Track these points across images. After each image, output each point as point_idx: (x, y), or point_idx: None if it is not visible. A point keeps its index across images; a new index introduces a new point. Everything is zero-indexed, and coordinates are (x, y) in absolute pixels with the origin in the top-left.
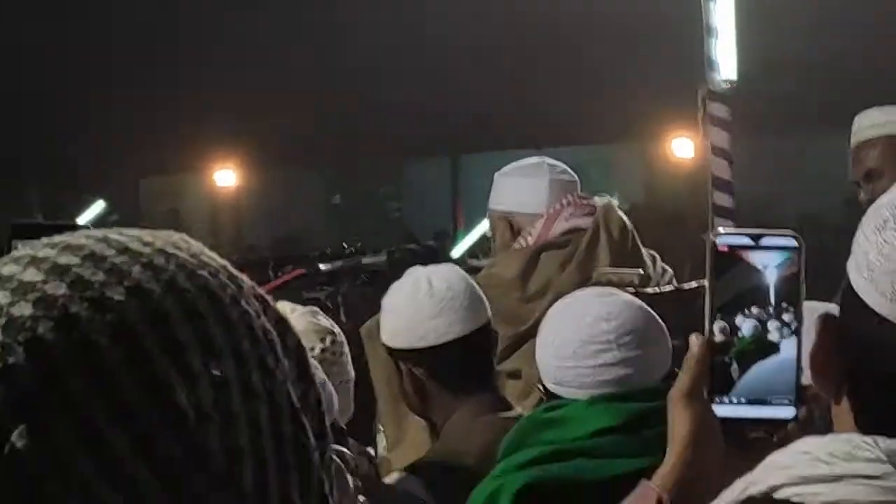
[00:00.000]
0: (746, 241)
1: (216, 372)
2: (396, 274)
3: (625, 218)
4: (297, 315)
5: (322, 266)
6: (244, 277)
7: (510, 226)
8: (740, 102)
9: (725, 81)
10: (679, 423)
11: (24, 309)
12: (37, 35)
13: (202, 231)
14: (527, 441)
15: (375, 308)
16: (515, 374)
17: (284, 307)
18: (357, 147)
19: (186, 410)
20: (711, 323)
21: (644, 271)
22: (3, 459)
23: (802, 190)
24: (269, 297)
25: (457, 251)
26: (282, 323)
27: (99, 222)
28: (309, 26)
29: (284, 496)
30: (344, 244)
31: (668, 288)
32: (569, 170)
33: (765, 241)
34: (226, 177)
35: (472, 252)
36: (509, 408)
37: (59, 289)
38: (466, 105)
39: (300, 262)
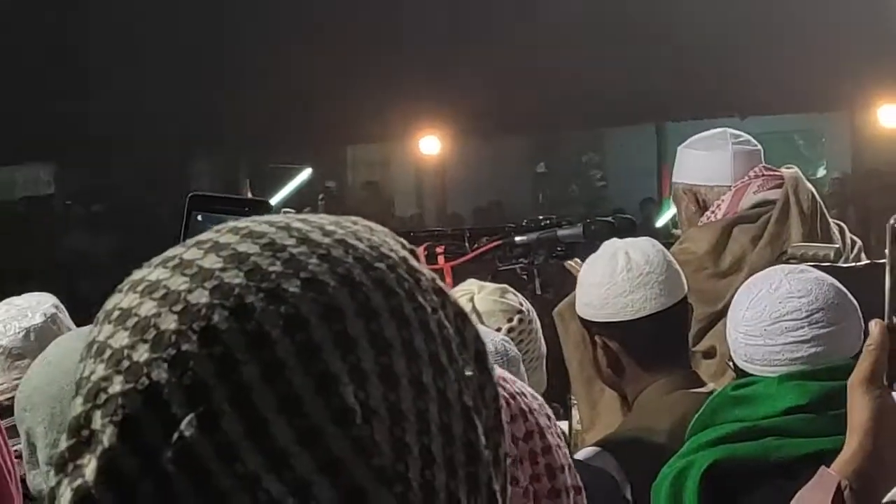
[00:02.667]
0: None
1: (387, 368)
2: (593, 246)
3: (813, 189)
4: (484, 294)
5: (517, 238)
6: (425, 270)
7: (696, 199)
8: None
9: None
10: (858, 410)
11: (202, 296)
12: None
13: (407, 199)
14: (716, 419)
15: (571, 280)
16: (710, 353)
17: (472, 286)
18: (561, 115)
19: (353, 406)
20: (892, 309)
21: (837, 245)
22: (172, 448)
23: None
24: (449, 291)
25: (662, 220)
26: (461, 317)
27: (307, 188)
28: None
29: (450, 493)
30: (540, 216)
31: (863, 262)
32: (752, 139)
33: None
34: (430, 144)
35: (676, 221)
36: (702, 384)
37: (236, 278)
38: (671, 72)
39: (496, 234)
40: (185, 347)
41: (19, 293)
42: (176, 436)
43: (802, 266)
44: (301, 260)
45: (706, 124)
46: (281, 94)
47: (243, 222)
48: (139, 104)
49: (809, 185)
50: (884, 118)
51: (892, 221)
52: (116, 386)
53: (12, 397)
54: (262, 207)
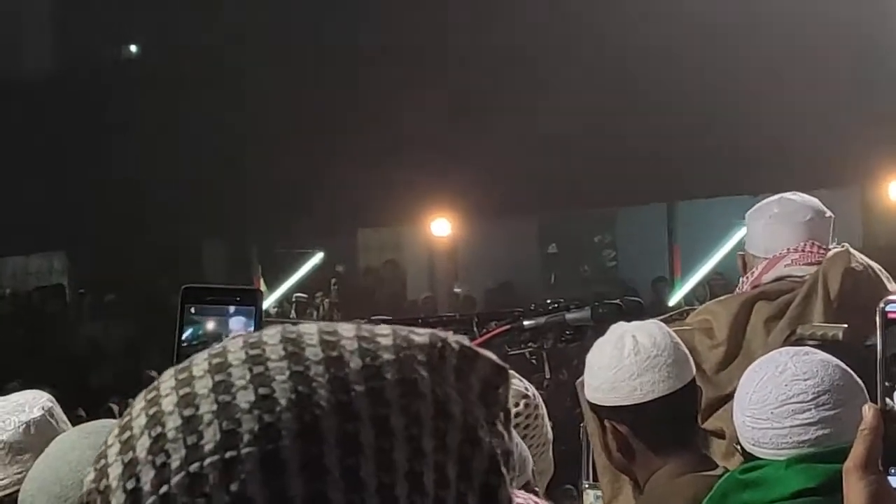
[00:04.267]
0: None
1: (319, 494)
2: (601, 329)
3: (857, 268)
4: None
5: (526, 322)
6: (442, 393)
7: (744, 263)
8: None
9: None
10: (854, 496)
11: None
12: (257, 90)
13: (419, 282)
14: (725, 503)
15: (580, 363)
16: (719, 434)
17: None
18: (572, 195)
19: None
20: (884, 393)
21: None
22: None
23: None
24: (462, 417)
25: (674, 299)
26: (470, 446)
27: (318, 272)
28: (523, 81)
29: None
30: (548, 300)
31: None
32: (814, 211)
33: None
34: (441, 226)
35: (689, 299)
36: (713, 466)
37: (204, 389)
38: (683, 152)
39: (504, 319)
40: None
41: (31, 383)
42: None
43: (807, 348)
44: (269, 376)
45: (717, 203)
46: (292, 179)
47: (297, 327)
48: (151, 192)
49: (853, 265)
50: (893, 193)
51: (881, 305)
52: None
53: (14, 492)
54: (252, 296)
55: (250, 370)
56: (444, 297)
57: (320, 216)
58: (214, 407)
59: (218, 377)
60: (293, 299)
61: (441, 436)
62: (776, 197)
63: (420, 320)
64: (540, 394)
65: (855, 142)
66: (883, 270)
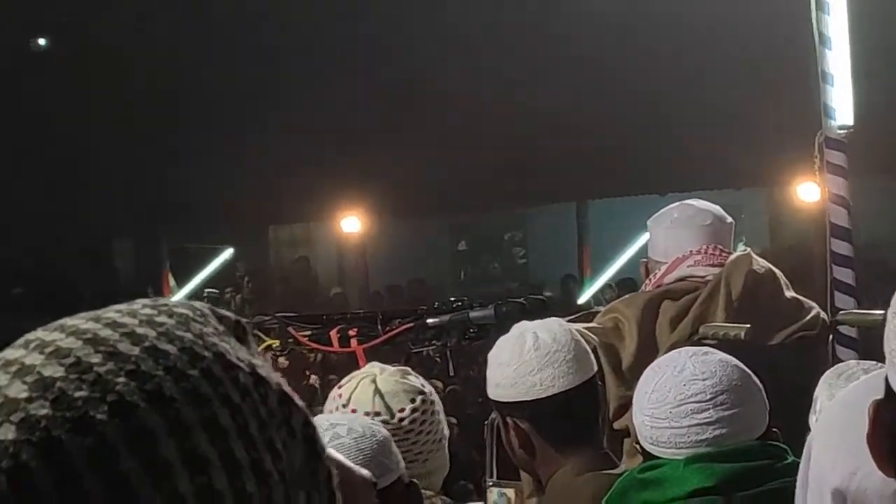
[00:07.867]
0: None
1: (205, 487)
2: (504, 327)
3: (759, 271)
4: (385, 375)
5: (430, 320)
6: (243, 361)
7: (646, 270)
8: (860, 147)
9: (842, 128)
10: None
11: (9, 432)
12: (169, 82)
13: (329, 279)
14: (624, 502)
15: (484, 361)
16: (627, 432)
17: (374, 368)
18: (483, 193)
19: None
20: None
21: (748, 325)
22: None
23: None
24: (270, 377)
25: (583, 297)
26: (286, 404)
27: (228, 268)
28: (434, 79)
29: None
30: (452, 297)
31: (776, 341)
32: (714, 216)
33: None
34: (352, 224)
35: (598, 298)
36: (614, 465)
37: (42, 408)
38: (592, 151)
39: (408, 316)
40: None
41: None
42: None
43: (706, 348)
44: (108, 380)
45: (626, 202)
46: (202, 175)
47: (51, 333)
48: (62, 187)
49: (755, 268)
50: (802, 194)
51: None
52: None
53: None
54: None
55: (82, 380)
56: (355, 294)
57: (231, 212)
58: (68, 426)
59: (51, 395)
60: (204, 295)
61: (265, 399)
62: (677, 204)
63: (325, 317)
64: (453, 389)
65: (764, 143)
66: (782, 276)
